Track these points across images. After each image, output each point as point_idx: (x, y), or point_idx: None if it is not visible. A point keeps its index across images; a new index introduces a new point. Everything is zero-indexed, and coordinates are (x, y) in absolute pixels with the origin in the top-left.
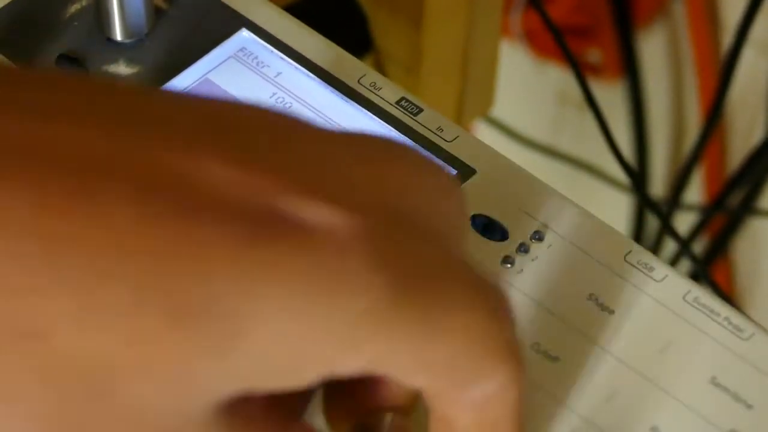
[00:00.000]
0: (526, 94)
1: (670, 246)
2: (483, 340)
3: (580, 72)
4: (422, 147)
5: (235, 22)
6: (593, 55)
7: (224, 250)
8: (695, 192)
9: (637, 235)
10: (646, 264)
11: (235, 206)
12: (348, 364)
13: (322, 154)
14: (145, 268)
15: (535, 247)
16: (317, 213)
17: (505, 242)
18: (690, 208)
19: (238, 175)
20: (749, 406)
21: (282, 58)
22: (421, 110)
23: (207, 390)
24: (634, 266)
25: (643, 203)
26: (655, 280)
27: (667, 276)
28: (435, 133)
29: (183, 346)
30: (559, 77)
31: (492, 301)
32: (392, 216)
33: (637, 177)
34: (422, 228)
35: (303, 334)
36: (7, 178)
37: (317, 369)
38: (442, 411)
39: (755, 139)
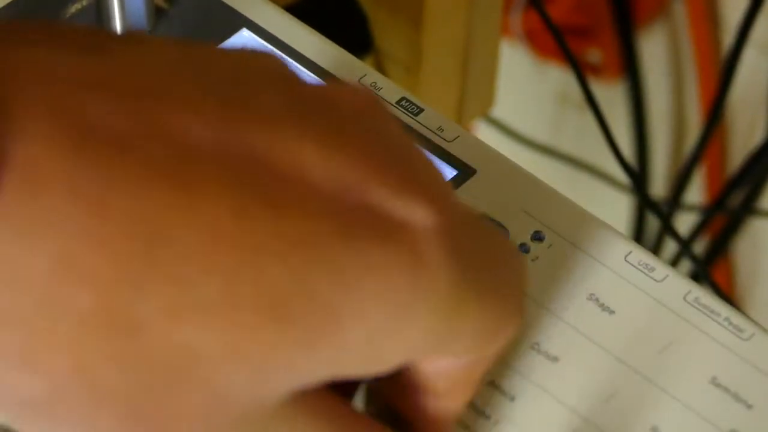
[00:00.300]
0: (526, 94)
1: (670, 246)
2: (512, 311)
3: (581, 72)
4: (423, 147)
5: (236, 21)
6: (593, 55)
7: (320, 245)
8: (696, 192)
9: (638, 235)
10: (646, 264)
11: (327, 196)
12: (421, 349)
13: (402, 147)
14: (239, 263)
15: (536, 247)
16: (405, 209)
17: None
18: (690, 208)
19: (328, 162)
20: (749, 406)
21: (282, 57)
22: (421, 110)
23: (291, 379)
24: (634, 266)
25: (644, 203)
26: (655, 280)
27: (667, 276)
28: (435, 133)
29: (276, 337)
30: (559, 77)
31: (523, 270)
32: (461, 210)
33: (638, 177)
34: (474, 219)
35: (392, 322)
36: (107, 170)
37: (400, 357)
38: (431, 369)
39: (756, 139)
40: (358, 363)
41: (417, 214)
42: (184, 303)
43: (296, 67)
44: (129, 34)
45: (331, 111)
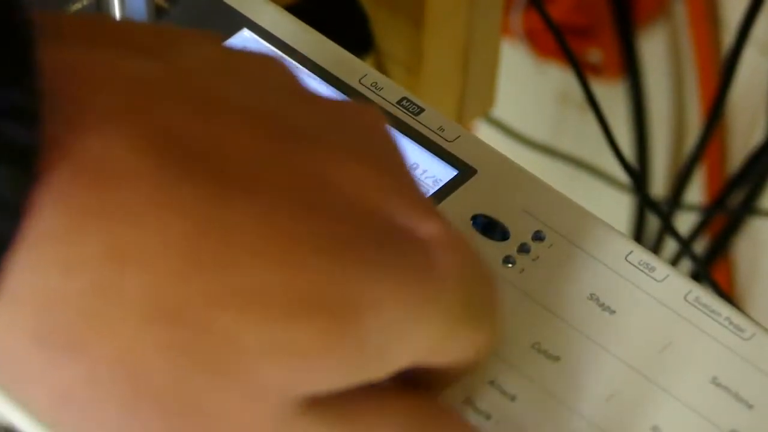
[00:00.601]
0: (527, 94)
1: (670, 246)
2: (494, 322)
3: (581, 72)
4: (423, 147)
5: (236, 21)
6: (594, 55)
7: (355, 247)
8: (696, 192)
9: (638, 235)
10: (647, 264)
11: (360, 207)
12: (423, 353)
13: (402, 160)
14: (286, 254)
15: (536, 247)
16: (420, 223)
17: (506, 242)
18: (690, 208)
19: (359, 178)
20: (750, 406)
21: (283, 57)
22: (422, 110)
23: (320, 380)
24: (634, 266)
25: (644, 203)
26: (655, 280)
27: (667, 276)
28: (436, 133)
29: (311, 331)
30: (559, 77)
31: (497, 290)
32: (460, 233)
33: (638, 177)
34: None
35: (403, 324)
36: (171, 172)
37: (404, 360)
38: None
39: (756, 139)
40: (367, 365)
41: (429, 228)
42: (230, 291)
43: (297, 67)
44: (184, 33)
45: (349, 128)
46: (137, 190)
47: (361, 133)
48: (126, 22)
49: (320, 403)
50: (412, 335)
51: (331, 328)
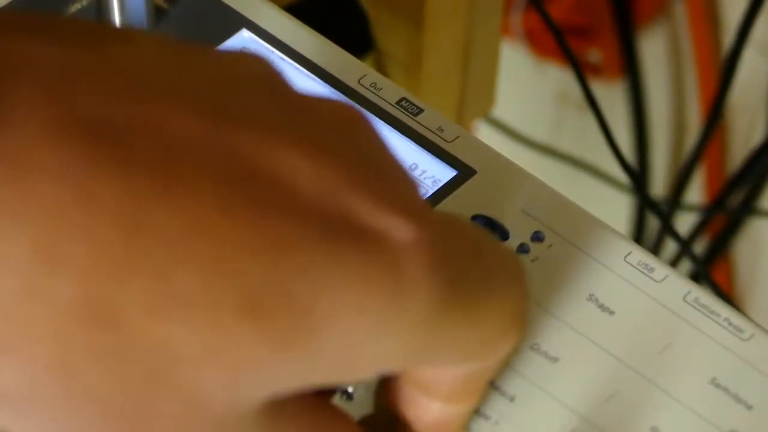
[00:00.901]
0: (527, 94)
1: (670, 246)
2: (511, 320)
3: (581, 72)
4: (423, 147)
5: (236, 22)
6: (593, 55)
7: (301, 248)
8: (695, 192)
9: (638, 235)
10: (646, 264)
11: (312, 204)
12: (398, 360)
13: (384, 162)
14: (220, 260)
15: (535, 248)
16: (388, 223)
17: (505, 242)
18: (690, 208)
19: (316, 172)
20: (749, 407)
21: (282, 58)
22: (421, 110)
23: (265, 384)
24: (634, 267)
25: (644, 203)
26: (655, 280)
27: (667, 276)
28: (435, 134)
29: (251, 338)
30: (559, 77)
31: (523, 281)
32: (442, 225)
33: (638, 177)
34: (462, 232)
35: (368, 334)
36: (93, 160)
37: (372, 367)
38: (429, 377)
39: (755, 139)
40: (331, 370)
41: (398, 228)
42: (163, 297)
43: (297, 67)
44: (122, 30)
45: (317, 122)
46: (60, 185)
47: (334, 128)
48: (73, 19)
49: (277, 406)
50: (379, 345)
51: (279, 337)
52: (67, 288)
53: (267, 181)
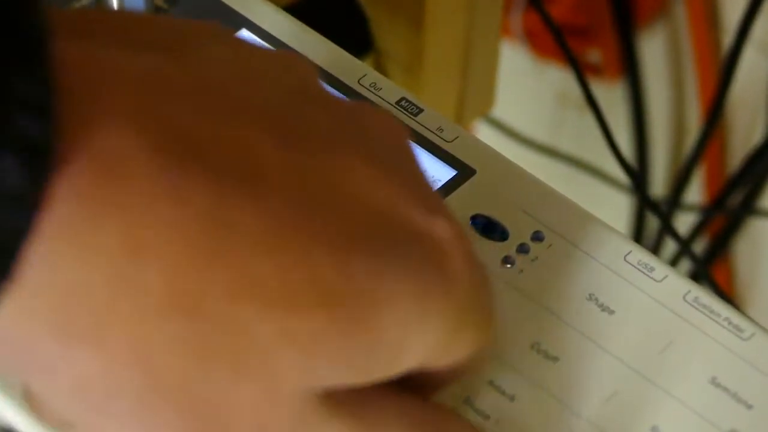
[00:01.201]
0: (526, 94)
1: (670, 246)
2: (491, 320)
3: (580, 72)
4: (422, 147)
5: (235, 22)
6: (593, 55)
7: (368, 246)
8: (695, 192)
9: (637, 235)
10: (646, 264)
11: (376, 210)
12: (433, 354)
13: (420, 170)
14: (297, 254)
15: (535, 247)
16: (434, 224)
17: (505, 242)
18: (690, 208)
19: (375, 183)
20: (749, 407)
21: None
22: (421, 110)
23: (336, 370)
24: (634, 266)
25: (643, 203)
26: (655, 280)
27: (667, 276)
28: (435, 134)
29: (323, 322)
30: (559, 77)
31: (493, 292)
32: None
33: (637, 177)
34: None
35: (421, 320)
36: (187, 168)
37: (416, 358)
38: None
39: (755, 139)
40: (387, 356)
41: (442, 228)
42: (244, 284)
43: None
44: (200, 28)
45: (367, 131)
46: (150, 185)
47: (374, 135)
48: (141, 16)
49: (336, 399)
50: (426, 331)
51: (347, 321)
52: (153, 277)
53: (334, 189)
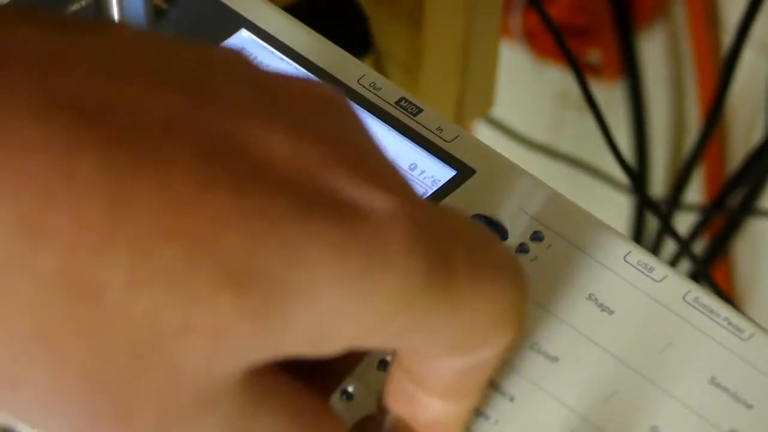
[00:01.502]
0: (526, 94)
1: (670, 246)
2: (503, 316)
3: (580, 72)
4: (422, 147)
5: (235, 22)
6: (593, 55)
7: (278, 222)
8: (695, 192)
9: (637, 235)
10: (645, 264)
11: (290, 179)
12: (375, 336)
13: (364, 140)
14: (199, 233)
15: (535, 247)
16: (367, 197)
17: (505, 242)
18: (690, 208)
19: (294, 148)
20: (749, 406)
21: (281, 58)
22: (420, 110)
23: (243, 353)
24: (633, 266)
25: (643, 203)
26: (654, 280)
27: (666, 276)
28: (435, 133)
29: (229, 308)
30: (559, 77)
31: (518, 279)
32: (431, 207)
33: (637, 177)
34: (457, 220)
35: (342, 306)
36: (76, 136)
37: (346, 340)
38: (422, 368)
39: (755, 139)
40: (304, 341)
41: (379, 201)
42: (144, 270)
43: (296, 67)
44: (106, 21)
45: (295, 101)
46: (44, 161)
47: (311, 107)
48: (59, 12)
49: (250, 382)
50: (354, 317)
51: (253, 309)
52: (48, 259)
53: (245, 158)
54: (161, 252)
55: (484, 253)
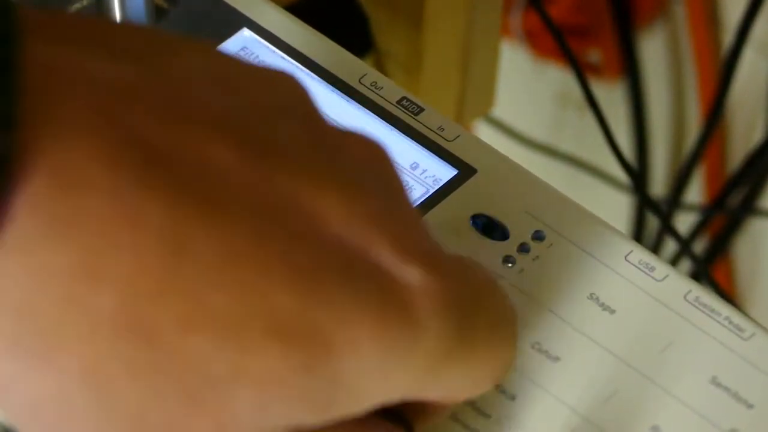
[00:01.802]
0: (526, 94)
1: (670, 246)
2: (505, 366)
3: (581, 72)
4: (423, 146)
5: (236, 21)
6: (593, 55)
7: (327, 281)
8: (695, 192)
9: (638, 234)
10: (646, 264)
11: (341, 242)
12: (405, 393)
13: (404, 200)
14: (251, 285)
15: (536, 247)
16: (407, 269)
17: (506, 242)
18: (690, 208)
19: (345, 210)
20: (750, 406)
21: (283, 57)
22: (422, 110)
23: (290, 411)
24: (634, 266)
25: (644, 203)
26: (655, 279)
27: (667, 276)
28: (436, 133)
29: (276, 359)
30: (559, 77)
31: (516, 330)
32: (453, 271)
33: (638, 177)
34: (470, 277)
35: (381, 366)
36: (144, 184)
37: (382, 397)
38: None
39: (755, 139)
40: (346, 399)
41: (414, 275)
42: (197, 316)
43: (297, 66)
44: (169, 38)
45: (349, 158)
46: (110, 203)
47: (356, 163)
48: (123, 25)
49: None
50: (390, 376)
51: (302, 360)
52: (107, 300)
53: (300, 216)
54: (213, 299)
55: (495, 308)
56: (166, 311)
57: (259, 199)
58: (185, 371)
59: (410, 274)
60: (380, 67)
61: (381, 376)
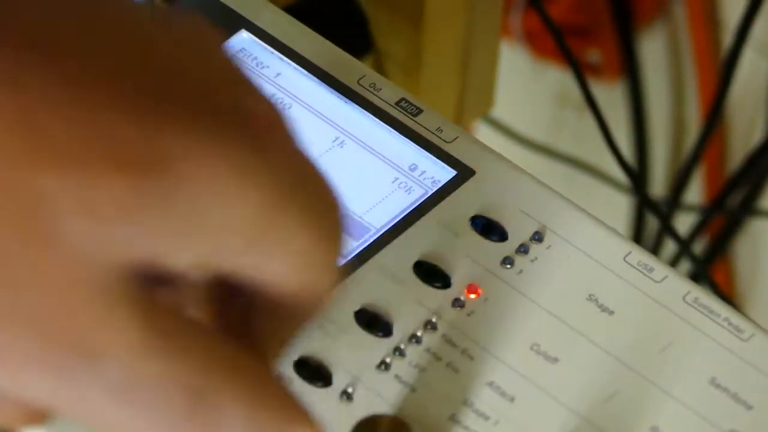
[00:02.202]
0: (526, 94)
1: (669, 246)
2: (331, 242)
3: (580, 72)
4: (422, 147)
5: (235, 22)
6: (593, 55)
7: (172, 108)
8: (695, 192)
9: (637, 235)
10: (645, 264)
11: (181, 71)
12: (239, 242)
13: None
14: (92, 114)
15: (535, 248)
16: (253, 100)
17: (505, 243)
18: (690, 208)
19: (191, 47)
20: (749, 407)
21: (281, 58)
22: (420, 111)
23: (134, 239)
24: (633, 267)
25: (643, 203)
26: (654, 280)
27: (666, 276)
28: (435, 134)
29: (123, 189)
30: (558, 78)
31: (339, 219)
32: (294, 137)
33: (637, 177)
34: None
35: (219, 197)
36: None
37: (218, 235)
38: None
39: (755, 139)
40: (198, 231)
41: (257, 102)
42: (40, 149)
43: (296, 68)
44: None
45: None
46: None
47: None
48: None
49: (143, 294)
50: (234, 202)
51: (152, 189)
52: None
53: (129, 39)
54: (55, 130)
55: (325, 185)
56: (9, 146)
57: (105, 48)
58: (24, 209)
59: (256, 101)
60: (380, 67)
61: (234, 203)
